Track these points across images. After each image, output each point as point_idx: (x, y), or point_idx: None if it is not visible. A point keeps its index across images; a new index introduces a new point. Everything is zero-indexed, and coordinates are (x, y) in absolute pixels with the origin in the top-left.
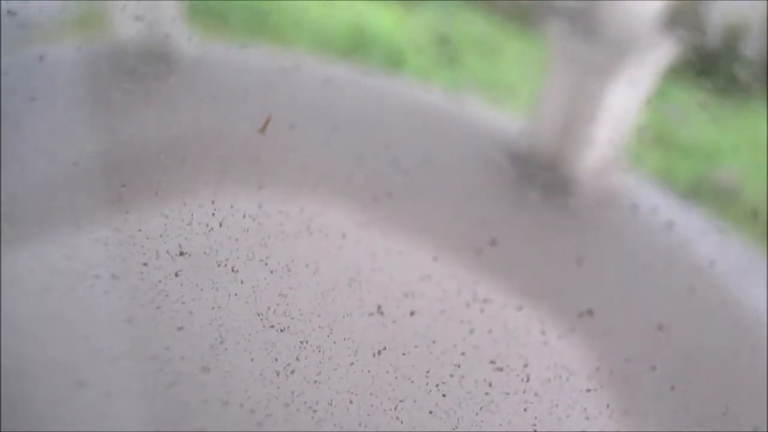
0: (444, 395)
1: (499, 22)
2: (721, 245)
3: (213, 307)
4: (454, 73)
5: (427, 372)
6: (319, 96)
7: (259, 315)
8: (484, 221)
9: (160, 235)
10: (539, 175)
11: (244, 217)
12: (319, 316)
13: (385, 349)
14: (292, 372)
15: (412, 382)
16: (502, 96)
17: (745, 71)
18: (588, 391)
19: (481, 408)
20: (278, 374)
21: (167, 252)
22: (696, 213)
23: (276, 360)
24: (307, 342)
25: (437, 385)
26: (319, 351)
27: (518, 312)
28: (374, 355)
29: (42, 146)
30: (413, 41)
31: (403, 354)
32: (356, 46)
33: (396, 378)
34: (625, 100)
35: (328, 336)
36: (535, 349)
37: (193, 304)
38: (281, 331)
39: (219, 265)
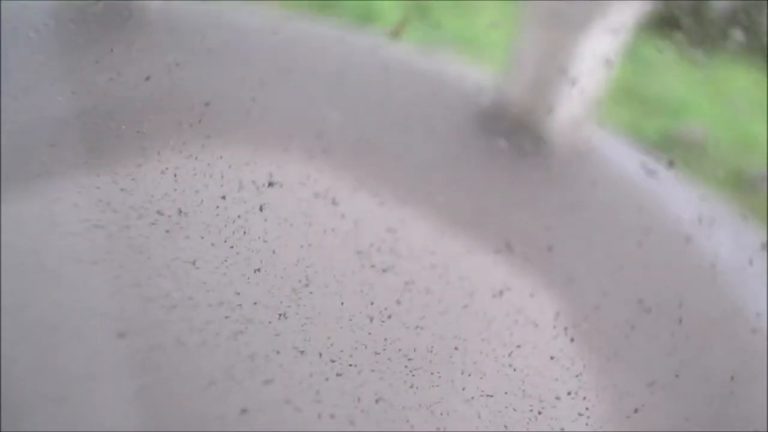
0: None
1: None
2: (689, 196)
3: (302, 246)
4: (427, 28)
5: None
6: (288, 52)
7: (358, 253)
8: (456, 176)
9: (246, 164)
10: (511, 130)
11: (357, 141)
12: (433, 253)
13: (508, 289)
14: (389, 317)
15: (536, 326)
16: (475, 51)
17: (713, 28)
18: (554, 338)
19: None
20: (371, 320)
21: (252, 182)
22: (664, 167)
23: (372, 304)
24: (413, 283)
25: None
26: (427, 293)
27: (495, 264)
28: (494, 296)
29: (10, 106)
30: None
31: (531, 295)
32: (326, 2)
33: (516, 322)
34: (596, 55)
35: (440, 276)
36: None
37: (277, 242)
38: (384, 271)
39: (317, 197)
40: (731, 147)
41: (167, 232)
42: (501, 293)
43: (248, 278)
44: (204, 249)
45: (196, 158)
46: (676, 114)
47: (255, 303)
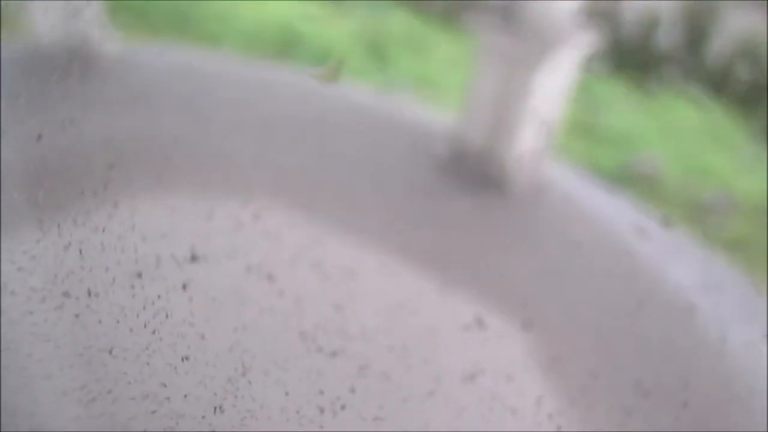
0: None
1: (426, 20)
2: (644, 228)
3: (236, 328)
4: (384, 71)
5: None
6: (246, 96)
7: (302, 335)
8: (417, 215)
9: (164, 235)
10: (471, 168)
11: (290, 208)
12: (389, 331)
13: (481, 372)
14: (343, 407)
15: (515, 413)
16: (432, 92)
17: (659, 62)
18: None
19: None
20: (322, 411)
21: (172, 256)
22: (619, 198)
23: (321, 393)
24: (368, 367)
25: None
26: (385, 378)
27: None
28: (465, 380)
29: None
30: (342, 40)
31: (508, 378)
32: (285, 45)
33: (491, 409)
34: (549, 92)
35: (399, 358)
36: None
37: (205, 325)
38: (333, 354)
39: (249, 271)
40: (682, 177)
41: (76, 316)
42: (472, 376)
43: (175, 367)
44: (121, 335)
45: (103, 230)
46: (630, 146)
47: (185, 395)
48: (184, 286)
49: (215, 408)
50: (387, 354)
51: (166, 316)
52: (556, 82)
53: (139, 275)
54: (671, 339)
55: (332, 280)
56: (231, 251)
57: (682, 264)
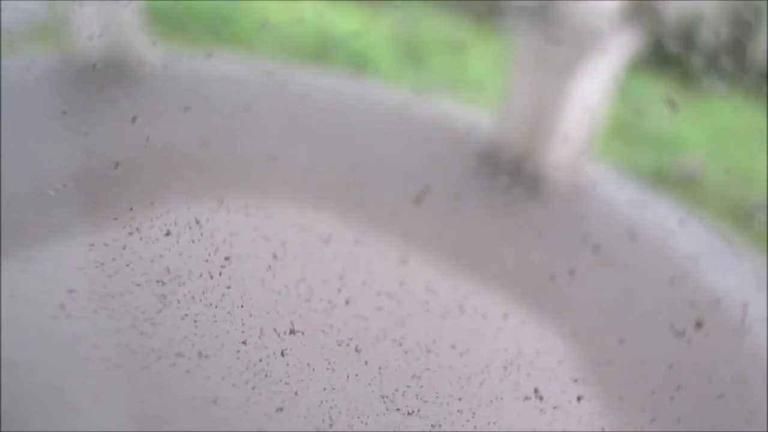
0: None
1: (463, 22)
2: (686, 232)
3: (325, 388)
4: (421, 74)
5: None
6: (287, 102)
7: (383, 397)
8: (454, 218)
9: (267, 312)
10: (509, 171)
11: (379, 294)
12: (460, 399)
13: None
14: None
15: None
16: (470, 95)
17: (703, 62)
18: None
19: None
20: None
21: (274, 330)
22: (661, 201)
23: None
24: (440, 426)
25: None
26: None
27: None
28: None
29: (9, 162)
30: (379, 44)
31: None
32: (322, 50)
33: None
34: (589, 94)
35: (467, 421)
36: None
37: (299, 385)
38: (409, 414)
39: (339, 345)
40: (726, 179)
41: (187, 372)
42: None
43: (270, 417)
44: (225, 388)
45: (216, 306)
46: (672, 148)
47: None
48: (283, 353)
49: None
50: (457, 415)
51: (266, 376)
52: (595, 84)
53: (245, 343)
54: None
55: (410, 354)
56: (324, 327)
57: (722, 265)
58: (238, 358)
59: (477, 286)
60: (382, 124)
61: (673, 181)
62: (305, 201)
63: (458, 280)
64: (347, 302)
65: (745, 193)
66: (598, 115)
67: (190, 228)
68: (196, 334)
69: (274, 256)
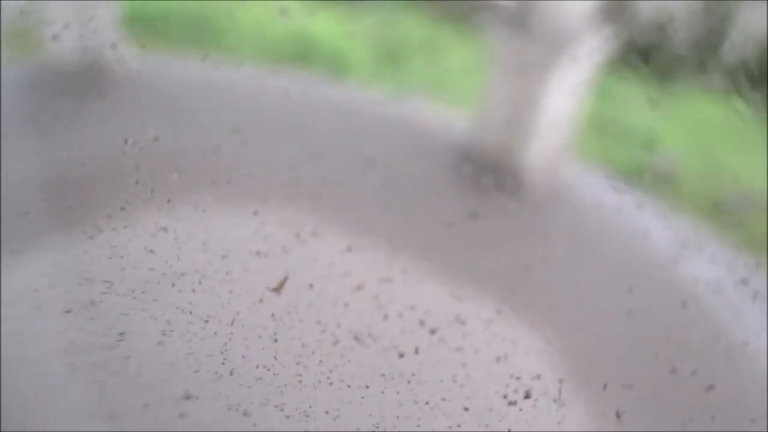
0: None
1: (441, 23)
2: (663, 226)
3: None
4: (399, 75)
5: None
6: (264, 105)
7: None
8: (437, 220)
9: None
10: (488, 171)
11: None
12: (443, 400)
13: None
14: None
15: None
16: (447, 96)
17: (677, 60)
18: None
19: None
20: None
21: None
22: (639, 197)
23: None
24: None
25: None
26: None
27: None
28: None
29: None
30: (357, 45)
31: None
32: (301, 52)
33: None
34: (565, 93)
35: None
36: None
37: None
38: None
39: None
40: (703, 174)
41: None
42: None
43: None
44: None
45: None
46: (648, 145)
47: None
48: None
49: None
50: (443, 419)
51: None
52: (571, 84)
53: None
54: (690, 335)
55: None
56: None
57: (701, 260)
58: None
59: (456, 287)
60: (360, 124)
61: (651, 178)
62: (280, 202)
63: (437, 281)
64: (345, 305)
65: (721, 188)
66: (575, 114)
67: (165, 232)
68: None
69: (257, 253)
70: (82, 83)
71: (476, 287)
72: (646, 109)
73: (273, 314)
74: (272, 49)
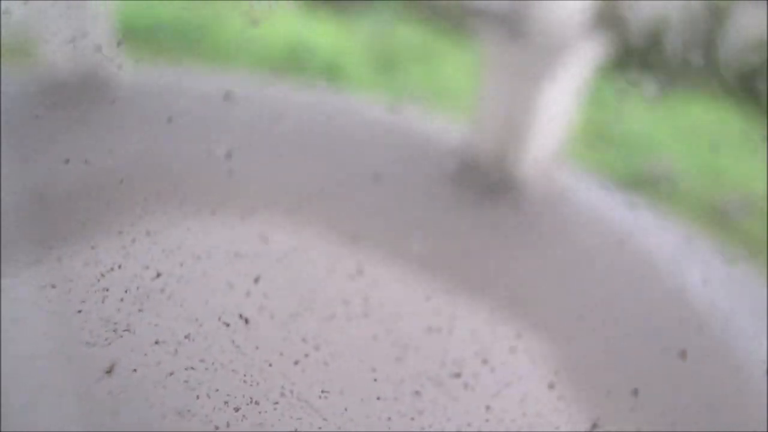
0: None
1: (435, 31)
2: (661, 233)
3: None
4: (394, 83)
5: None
6: (259, 115)
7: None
8: (431, 227)
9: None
10: (483, 177)
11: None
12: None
13: None
14: None
15: None
16: (442, 103)
17: (672, 64)
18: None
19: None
20: None
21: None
22: (636, 202)
23: None
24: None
25: None
26: None
27: (480, 315)
28: None
29: None
30: (353, 54)
31: None
32: (295, 62)
33: None
34: (559, 99)
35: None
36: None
37: None
38: None
39: None
40: (699, 179)
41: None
42: None
43: None
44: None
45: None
46: (644, 150)
47: None
48: None
49: None
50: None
51: None
52: (565, 89)
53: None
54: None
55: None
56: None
57: (698, 266)
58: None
59: (454, 294)
60: (356, 134)
61: (647, 183)
62: (278, 214)
63: (435, 287)
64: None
65: (719, 193)
66: (571, 120)
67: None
68: None
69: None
70: (78, 95)
71: (472, 293)
72: (642, 114)
73: (302, 337)
74: (267, 58)
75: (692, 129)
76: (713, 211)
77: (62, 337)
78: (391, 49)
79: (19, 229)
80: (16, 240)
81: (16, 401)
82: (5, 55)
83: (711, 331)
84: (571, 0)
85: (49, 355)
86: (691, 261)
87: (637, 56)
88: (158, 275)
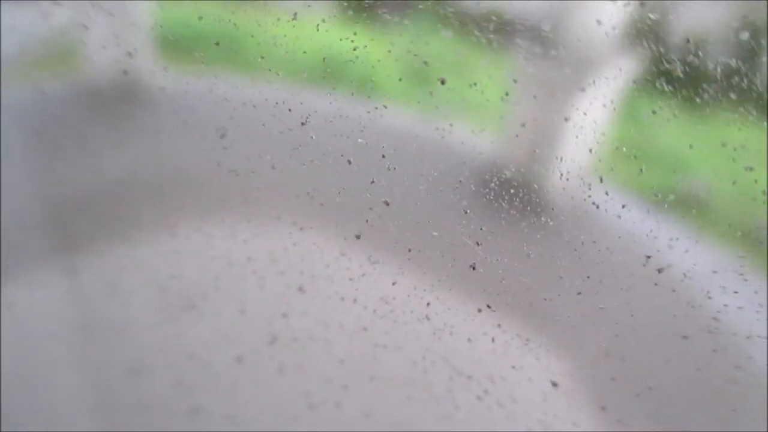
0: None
1: (470, 45)
2: (693, 253)
3: None
4: (426, 95)
5: None
6: (293, 126)
7: None
8: (462, 243)
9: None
10: (513, 193)
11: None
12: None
13: None
14: None
15: None
16: (475, 117)
17: (708, 82)
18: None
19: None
20: None
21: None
22: (668, 222)
23: None
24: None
25: None
26: None
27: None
28: None
29: (17, 188)
30: (384, 65)
31: None
32: (329, 72)
33: None
34: (591, 114)
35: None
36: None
37: None
38: None
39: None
40: (734, 198)
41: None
42: None
43: None
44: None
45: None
46: (679, 168)
47: None
48: None
49: None
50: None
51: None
52: (598, 104)
53: None
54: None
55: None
56: None
57: (728, 287)
58: None
59: (476, 308)
60: (386, 145)
61: (679, 202)
62: (308, 221)
63: (459, 302)
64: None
65: (752, 214)
66: (602, 135)
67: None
68: None
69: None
70: (113, 102)
71: (498, 308)
72: (676, 131)
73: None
74: (301, 68)
75: (726, 148)
76: (745, 232)
77: (78, 342)
78: (424, 62)
79: (45, 233)
80: (41, 245)
81: (17, 401)
82: (45, 62)
83: (737, 350)
84: (606, 14)
85: (62, 358)
86: (720, 280)
87: (672, 73)
88: (184, 283)
